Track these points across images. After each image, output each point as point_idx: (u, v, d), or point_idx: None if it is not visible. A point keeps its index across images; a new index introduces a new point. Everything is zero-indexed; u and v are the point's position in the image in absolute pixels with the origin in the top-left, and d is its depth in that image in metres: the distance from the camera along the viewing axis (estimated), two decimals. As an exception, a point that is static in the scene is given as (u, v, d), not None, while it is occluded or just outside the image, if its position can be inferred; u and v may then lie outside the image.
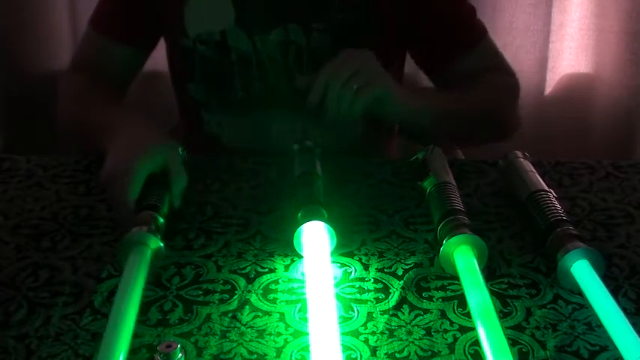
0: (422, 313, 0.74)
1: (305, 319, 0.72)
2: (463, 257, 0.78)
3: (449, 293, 0.77)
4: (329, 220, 0.83)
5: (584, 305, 0.75)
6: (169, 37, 1.18)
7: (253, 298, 0.76)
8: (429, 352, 0.69)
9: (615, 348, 0.67)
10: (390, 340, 0.70)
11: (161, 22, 1.15)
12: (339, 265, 0.82)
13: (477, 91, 1.11)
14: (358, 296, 0.77)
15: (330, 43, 1.09)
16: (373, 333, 0.71)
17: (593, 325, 0.72)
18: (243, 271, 0.81)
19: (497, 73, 1.16)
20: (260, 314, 0.74)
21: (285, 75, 1.11)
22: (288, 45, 1.09)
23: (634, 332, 0.67)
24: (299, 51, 1.09)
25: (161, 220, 0.84)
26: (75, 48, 1.22)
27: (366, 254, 0.84)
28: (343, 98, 0.96)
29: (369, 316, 0.73)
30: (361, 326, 0.72)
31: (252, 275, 0.80)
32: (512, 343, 0.69)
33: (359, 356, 0.68)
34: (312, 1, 1.09)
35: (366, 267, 0.82)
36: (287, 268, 0.81)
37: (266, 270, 0.81)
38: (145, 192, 0.87)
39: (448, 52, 1.14)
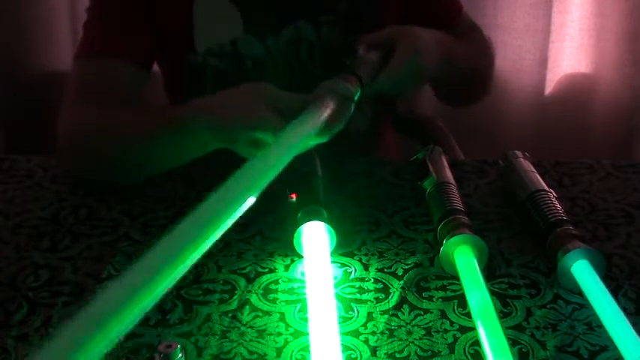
0: (422, 313, 0.74)
1: (305, 319, 0.72)
2: (463, 257, 0.78)
3: (449, 293, 0.77)
4: (329, 220, 0.83)
5: (584, 305, 0.75)
6: (172, 56, 1.12)
7: (253, 298, 0.76)
8: (429, 352, 0.69)
9: (615, 348, 0.67)
10: (390, 340, 0.70)
11: (163, 42, 1.10)
12: (339, 265, 0.82)
13: (466, 45, 1.13)
14: (358, 296, 0.77)
15: (340, 35, 1.09)
16: (373, 333, 0.71)
17: (593, 325, 0.72)
18: (243, 271, 0.81)
19: (475, 33, 1.21)
20: (260, 314, 0.74)
21: (299, 72, 1.11)
22: (300, 42, 1.09)
23: (634, 332, 0.67)
24: (311, 47, 1.09)
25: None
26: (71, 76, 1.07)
27: (366, 254, 0.84)
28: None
29: (369, 316, 0.73)
30: (361, 326, 0.72)
31: (252, 275, 0.80)
32: (512, 343, 0.69)
33: (359, 356, 0.68)
34: None
35: (366, 267, 0.82)
36: (287, 268, 0.81)
37: (266, 270, 0.81)
38: None
39: (439, 27, 1.15)
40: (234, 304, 0.75)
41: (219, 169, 1.04)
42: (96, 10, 1.08)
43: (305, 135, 0.74)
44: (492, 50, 1.24)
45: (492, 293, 0.75)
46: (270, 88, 0.87)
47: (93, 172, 1.01)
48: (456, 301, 0.76)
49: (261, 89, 0.87)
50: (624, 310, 0.71)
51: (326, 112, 0.80)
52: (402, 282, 0.79)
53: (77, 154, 1.01)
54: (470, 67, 1.12)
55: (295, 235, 0.82)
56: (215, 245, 0.85)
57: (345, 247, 0.85)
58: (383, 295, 0.77)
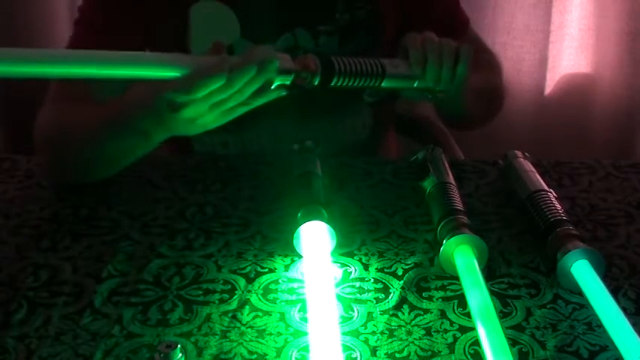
0: (422, 313, 0.74)
1: (305, 319, 0.72)
2: (463, 257, 0.78)
3: (449, 293, 0.77)
4: (329, 220, 0.83)
5: (584, 305, 0.75)
6: None
7: (253, 298, 0.76)
8: (429, 352, 0.69)
9: (615, 348, 0.67)
10: (390, 340, 0.70)
11: (157, 45, 1.09)
12: (339, 265, 0.82)
13: (473, 68, 1.11)
14: (358, 296, 0.77)
15: (337, 45, 1.08)
16: (373, 333, 0.71)
17: (593, 325, 0.72)
18: (243, 271, 0.81)
19: (482, 54, 1.19)
20: (260, 314, 0.74)
21: None
22: (297, 50, 1.08)
23: (634, 332, 0.67)
24: None
25: None
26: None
27: (366, 254, 0.84)
28: (445, 66, 0.96)
29: (369, 316, 0.73)
30: (361, 326, 0.72)
31: (252, 275, 0.80)
32: (512, 343, 0.69)
33: (359, 356, 0.68)
34: (318, 4, 1.08)
35: (366, 267, 0.82)
36: (287, 268, 0.81)
37: (266, 270, 0.81)
38: None
39: None
40: (234, 304, 0.75)
41: (217, 169, 1.04)
42: (87, 10, 1.07)
43: (170, 63, 0.80)
44: (501, 71, 1.22)
45: (492, 293, 0.75)
46: None
47: (63, 172, 1.01)
48: (456, 301, 0.76)
49: None
50: (624, 310, 0.71)
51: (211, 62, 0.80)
52: (402, 282, 0.79)
53: (45, 152, 1.01)
54: (479, 91, 1.10)
55: (295, 235, 0.82)
56: (215, 245, 0.86)
57: (345, 247, 0.85)
58: (383, 295, 0.77)
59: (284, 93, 0.85)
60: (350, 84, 0.91)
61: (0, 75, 0.71)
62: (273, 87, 0.84)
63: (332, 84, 0.90)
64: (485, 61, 1.18)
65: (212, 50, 0.84)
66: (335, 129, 1.13)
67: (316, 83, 0.89)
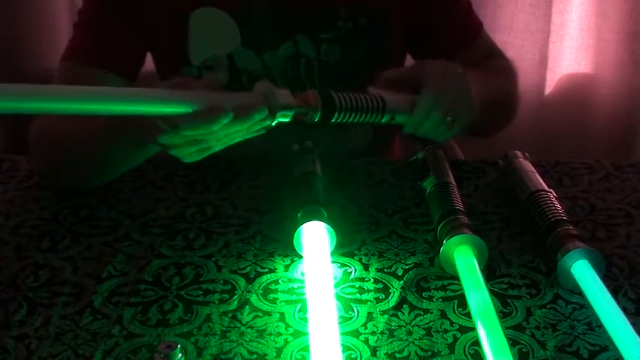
0: (422, 313, 0.74)
1: (305, 319, 0.72)
2: (463, 257, 0.78)
3: (449, 293, 0.77)
4: (329, 220, 0.83)
5: (584, 305, 0.75)
6: (167, 67, 1.11)
7: (253, 298, 0.76)
8: (429, 352, 0.69)
9: (615, 348, 0.67)
10: (390, 340, 0.70)
11: (158, 53, 1.10)
12: (339, 265, 0.82)
13: (486, 76, 1.09)
14: (358, 296, 0.77)
15: (339, 53, 1.08)
16: (373, 333, 0.71)
17: (593, 325, 0.72)
18: (243, 271, 0.81)
19: (496, 59, 1.18)
20: (260, 314, 0.74)
21: (297, 89, 1.08)
22: (299, 58, 1.07)
23: (634, 332, 0.67)
24: (309, 63, 1.08)
25: None
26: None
27: (366, 254, 0.84)
28: (440, 128, 0.94)
29: (369, 316, 0.73)
30: (361, 326, 0.72)
31: (252, 275, 0.80)
32: (512, 343, 0.69)
33: (359, 356, 0.68)
34: (320, 12, 1.07)
35: (366, 267, 0.82)
36: (287, 268, 0.82)
37: (266, 270, 0.81)
38: None
39: (450, 47, 1.13)
40: (234, 304, 0.75)
41: (217, 169, 1.04)
42: (87, 14, 1.06)
43: (169, 99, 0.76)
44: (515, 78, 1.19)
45: (492, 293, 0.75)
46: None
47: (56, 174, 1.00)
48: (456, 301, 0.76)
49: None
50: (624, 310, 0.71)
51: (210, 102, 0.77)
52: (402, 282, 0.79)
53: (42, 153, 1.01)
54: (490, 99, 1.06)
55: (295, 235, 0.82)
56: (215, 245, 0.86)
57: (345, 247, 0.85)
58: (383, 295, 0.77)
59: (263, 132, 0.83)
60: (350, 120, 0.89)
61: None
62: (274, 124, 0.82)
63: (332, 120, 0.88)
64: (498, 67, 1.16)
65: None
66: (335, 137, 1.12)
67: (317, 120, 0.86)
